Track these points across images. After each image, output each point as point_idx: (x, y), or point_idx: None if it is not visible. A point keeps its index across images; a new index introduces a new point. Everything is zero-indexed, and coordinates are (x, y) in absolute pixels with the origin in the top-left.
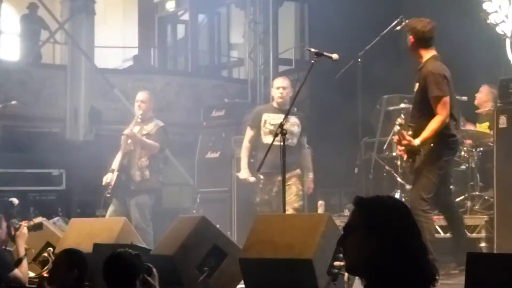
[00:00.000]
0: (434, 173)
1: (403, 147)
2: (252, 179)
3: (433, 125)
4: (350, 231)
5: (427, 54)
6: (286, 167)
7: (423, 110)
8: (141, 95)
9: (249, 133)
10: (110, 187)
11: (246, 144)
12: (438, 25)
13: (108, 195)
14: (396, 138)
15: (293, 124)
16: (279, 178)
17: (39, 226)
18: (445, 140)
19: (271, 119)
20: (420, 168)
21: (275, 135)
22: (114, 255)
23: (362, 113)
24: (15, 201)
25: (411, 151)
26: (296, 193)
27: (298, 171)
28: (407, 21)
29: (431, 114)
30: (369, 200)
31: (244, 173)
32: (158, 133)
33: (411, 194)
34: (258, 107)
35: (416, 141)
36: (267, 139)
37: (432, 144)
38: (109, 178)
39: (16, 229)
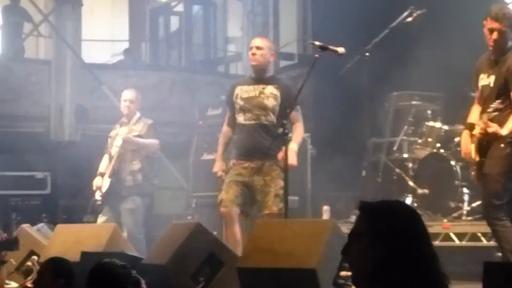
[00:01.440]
0: (507, 177)
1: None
2: (220, 174)
3: None
4: (355, 239)
5: (509, 42)
6: (262, 154)
7: (506, 103)
8: (128, 94)
9: (227, 114)
10: (100, 193)
11: (223, 128)
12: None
13: (99, 202)
14: (481, 127)
15: (268, 95)
16: (253, 165)
17: (14, 245)
18: None
19: (243, 92)
20: (491, 171)
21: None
22: (99, 266)
23: (370, 112)
24: None
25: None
26: (275, 192)
27: (276, 161)
28: (496, 7)
29: None
30: (375, 205)
31: (215, 166)
32: (150, 131)
33: (483, 199)
34: (234, 81)
35: (504, 131)
36: (240, 118)
37: (506, 143)
38: (99, 182)
39: None
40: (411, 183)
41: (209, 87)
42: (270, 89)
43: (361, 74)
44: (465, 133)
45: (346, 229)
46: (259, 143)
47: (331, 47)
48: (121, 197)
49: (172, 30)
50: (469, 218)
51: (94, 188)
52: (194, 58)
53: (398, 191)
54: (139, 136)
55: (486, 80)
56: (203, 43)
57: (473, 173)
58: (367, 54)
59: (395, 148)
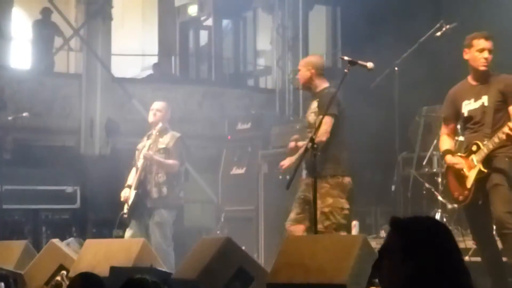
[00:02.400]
0: None
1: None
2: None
3: None
4: (386, 254)
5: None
6: (310, 171)
7: (504, 118)
8: (157, 104)
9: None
10: (126, 206)
11: None
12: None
13: (125, 215)
14: (505, 131)
15: (312, 111)
16: (307, 181)
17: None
18: None
19: (313, 108)
20: (502, 181)
21: (305, 151)
22: (129, 282)
23: (400, 126)
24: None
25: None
26: (321, 210)
27: (326, 178)
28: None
29: None
30: (406, 221)
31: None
32: (177, 146)
33: (496, 208)
34: None
35: None
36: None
37: (510, 159)
38: (127, 193)
39: None
40: (440, 198)
41: (238, 100)
42: (314, 105)
43: (391, 88)
44: (450, 156)
45: (375, 244)
46: (308, 160)
47: (360, 62)
48: (147, 210)
49: (201, 44)
50: None
51: (122, 199)
52: (224, 71)
53: (428, 206)
54: (165, 149)
55: (475, 103)
56: (232, 57)
57: (465, 191)
58: (396, 68)
59: (424, 162)
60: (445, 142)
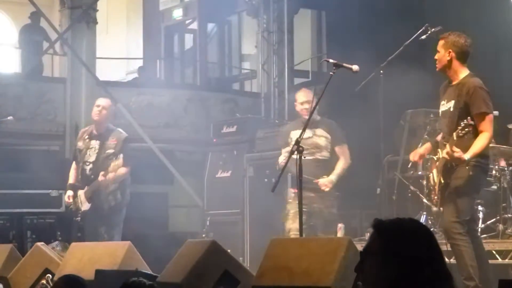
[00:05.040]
0: (470, 196)
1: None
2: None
3: (482, 142)
4: (368, 257)
5: (464, 70)
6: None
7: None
8: (102, 100)
9: (284, 154)
10: (79, 212)
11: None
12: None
13: (79, 220)
14: (447, 151)
15: (320, 136)
16: (307, 194)
17: None
18: (485, 160)
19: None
20: (456, 190)
21: (291, 153)
22: (126, 286)
23: (385, 129)
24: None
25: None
26: (326, 217)
27: (333, 190)
28: (443, 35)
29: (476, 131)
30: (388, 223)
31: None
32: (125, 149)
33: (445, 217)
34: (285, 126)
35: (467, 156)
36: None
37: (471, 166)
38: (70, 193)
39: None
40: (425, 201)
41: (224, 104)
42: (320, 131)
43: (376, 91)
44: (427, 146)
45: (361, 247)
46: None
47: (345, 64)
48: (103, 217)
49: (186, 48)
50: (484, 235)
51: (68, 200)
52: (209, 75)
53: (413, 209)
54: (114, 153)
55: (446, 105)
56: (217, 61)
57: (435, 197)
58: (381, 72)
59: (409, 165)
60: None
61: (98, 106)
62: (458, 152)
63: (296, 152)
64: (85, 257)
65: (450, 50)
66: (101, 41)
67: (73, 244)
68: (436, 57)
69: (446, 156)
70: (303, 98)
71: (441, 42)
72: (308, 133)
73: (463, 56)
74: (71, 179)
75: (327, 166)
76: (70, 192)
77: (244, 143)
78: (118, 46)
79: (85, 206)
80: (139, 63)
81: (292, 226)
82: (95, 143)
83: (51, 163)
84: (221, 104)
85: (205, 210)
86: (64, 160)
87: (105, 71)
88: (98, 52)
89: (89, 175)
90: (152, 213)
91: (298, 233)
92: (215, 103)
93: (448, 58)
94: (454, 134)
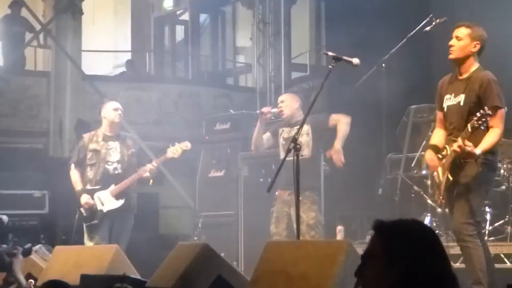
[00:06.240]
0: (481, 196)
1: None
2: None
3: (492, 137)
4: (369, 260)
5: (475, 64)
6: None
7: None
8: (118, 104)
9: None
10: (96, 215)
11: None
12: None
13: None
14: (458, 143)
15: (302, 133)
16: (285, 198)
17: (28, 251)
18: (493, 157)
19: (285, 133)
20: (466, 188)
21: (287, 152)
22: None
23: (387, 126)
24: (5, 218)
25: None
26: (306, 221)
27: (307, 193)
28: (468, 23)
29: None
30: (390, 224)
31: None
32: (139, 148)
33: (455, 218)
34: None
35: (477, 151)
36: (282, 155)
37: (478, 163)
38: (85, 198)
39: (11, 255)
40: (430, 202)
41: (217, 100)
42: (305, 128)
43: (378, 86)
44: (429, 152)
45: (362, 250)
46: None
47: (345, 57)
48: (124, 215)
49: (177, 40)
50: (492, 238)
51: (86, 206)
52: (201, 69)
53: (417, 210)
54: (134, 152)
55: (454, 100)
56: (210, 54)
57: (440, 197)
58: (383, 65)
59: (413, 164)
60: (435, 135)
61: (118, 109)
62: (470, 146)
63: (293, 151)
64: (70, 261)
65: (478, 42)
66: (87, 33)
67: (57, 247)
68: (453, 44)
69: (457, 149)
70: (280, 98)
71: (465, 31)
72: (288, 132)
73: (482, 51)
74: (80, 184)
75: (307, 168)
76: (86, 197)
77: (238, 140)
78: (105, 38)
79: (112, 204)
80: (127, 56)
81: (275, 230)
82: (114, 144)
83: (34, 162)
84: (214, 99)
85: (197, 211)
86: (48, 158)
87: (91, 65)
88: (84, 45)
89: (115, 174)
90: (142, 214)
91: (280, 237)
92: (208, 98)
93: (473, 49)
94: (469, 125)
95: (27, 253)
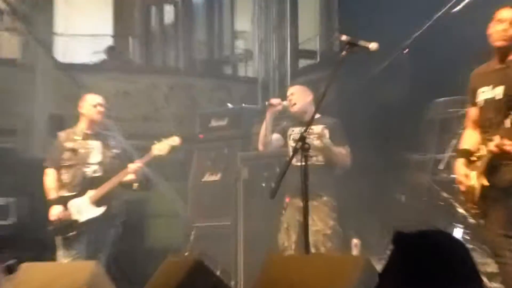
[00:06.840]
0: None
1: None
2: None
3: None
4: (388, 277)
5: None
6: (309, 192)
7: None
8: (99, 98)
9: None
10: (71, 226)
11: None
12: None
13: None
14: (496, 142)
15: (316, 135)
16: (299, 204)
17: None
18: None
19: (294, 134)
20: (505, 194)
21: (294, 151)
22: None
23: (409, 123)
24: None
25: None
26: (323, 231)
27: (325, 198)
28: None
29: None
30: (411, 236)
31: None
32: (123, 149)
33: (491, 229)
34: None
35: None
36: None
37: None
38: (59, 209)
39: None
40: (461, 210)
41: (212, 92)
42: (318, 129)
43: (398, 76)
44: (460, 162)
45: (381, 267)
46: None
47: (361, 42)
48: (109, 224)
49: (166, 23)
50: None
51: (55, 217)
52: (195, 57)
53: (446, 221)
54: (118, 154)
55: (491, 92)
56: (205, 40)
57: (473, 205)
58: (405, 51)
59: (441, 167)
60: (466, 138)
61: (99, 105)
62: (510, 145)
63: (301, 151)
64: (39, 281)
65: None
66: (61, 15)
67: (25, 265)
68: (503, 28)
69: (494, 149)
70: (290, 90)
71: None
72: (298, 133)
73: None
74: (54, 191)
75: (322, 174)
76: (59, 208)
77: (237, 139)
78: (82, 21)
79: (91, 213)
80: (108, 41)
81: (286, 243)
82: (95, 143)
83: (1, 164)
84: (209, 92)
85: (189, 221)
86: (15, 160)
87: (66, 51)
88: (57, 28)
89: (95, 177)
90: (125, 224)
91: (292, 252)
92: (202, 90)
93: None
94: (509, 120)
95: (11, 270)
